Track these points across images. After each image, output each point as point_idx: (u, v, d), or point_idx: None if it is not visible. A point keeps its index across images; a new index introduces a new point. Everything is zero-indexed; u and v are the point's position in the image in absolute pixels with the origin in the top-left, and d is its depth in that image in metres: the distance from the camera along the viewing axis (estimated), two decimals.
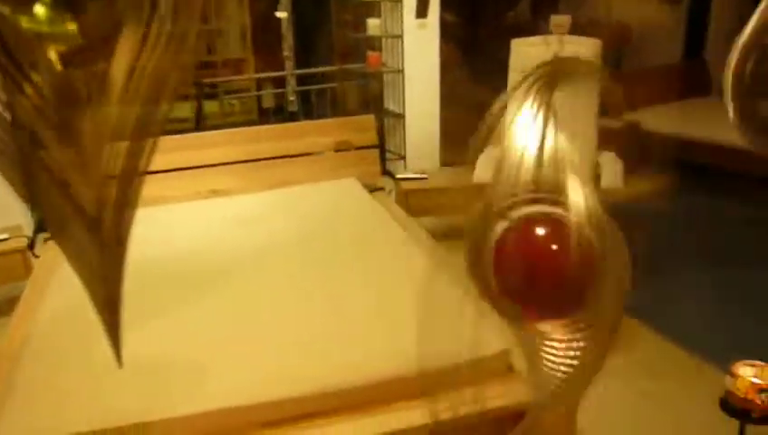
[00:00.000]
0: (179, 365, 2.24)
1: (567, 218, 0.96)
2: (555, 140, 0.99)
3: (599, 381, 3.08)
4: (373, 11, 5.02)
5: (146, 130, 1.11)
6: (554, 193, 0.97)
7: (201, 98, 5.58)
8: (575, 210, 0.95)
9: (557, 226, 0.98)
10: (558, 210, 0.97)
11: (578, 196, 0.95)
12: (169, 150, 3.97)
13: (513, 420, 1.60)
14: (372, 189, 4.04)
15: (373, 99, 5.25)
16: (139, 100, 1.07)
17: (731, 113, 1.43)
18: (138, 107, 1.08)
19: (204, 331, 2.44)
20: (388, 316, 2.38)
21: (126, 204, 1.16)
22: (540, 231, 1.00)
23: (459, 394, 1.61)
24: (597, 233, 0.98)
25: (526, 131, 1.00)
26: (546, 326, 1.03)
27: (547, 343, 1.04)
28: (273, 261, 3.00)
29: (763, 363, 1.83)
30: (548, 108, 1.01)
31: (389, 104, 5.13)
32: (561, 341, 1.03)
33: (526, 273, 1.01)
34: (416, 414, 2.01)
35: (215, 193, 3.98)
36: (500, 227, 1.01)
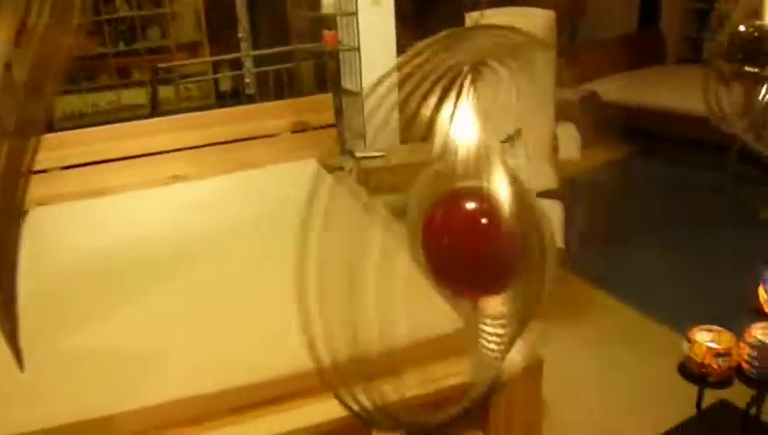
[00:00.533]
0: (139, 355, 2.21)
1: (492, 192, 0.95)
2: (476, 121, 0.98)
3: (565, 350, 3.12)
4: None
5: (31, 124, 1.02)
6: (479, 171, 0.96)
7: (155, 83, 5.48)
8: (497, 184, 0.93)
9: (482, 201, 0.97)
10: (484, 185, 0.96)
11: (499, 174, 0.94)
12: (125, 138, 3.91)
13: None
14: (332, 170, 4.01)
15: (331, 78, 5.20)
16: (21, 86, 0.98)
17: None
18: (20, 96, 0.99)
19: (163, 319, 2.41)
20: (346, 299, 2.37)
21: (10, 208, 1.08)
22: (465, 206, 0.98)
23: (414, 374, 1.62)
24: (521, 207, 0.97)
25: (451, 114, 0.99)
26: (478, 303, 1.02)
27: (486, 321, 1.03)
28: (232, 246, 2.97)
29: (719, 328, 1.85)
30: (464, 88, 1.00)
31: (347, 83, 5.08)
32: (494, 318, 1.02)
33: (451, 249, 0.99)
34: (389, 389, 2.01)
35: (172, 179, 3.92)
36: (428, 203, 1.00)
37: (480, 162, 0.98)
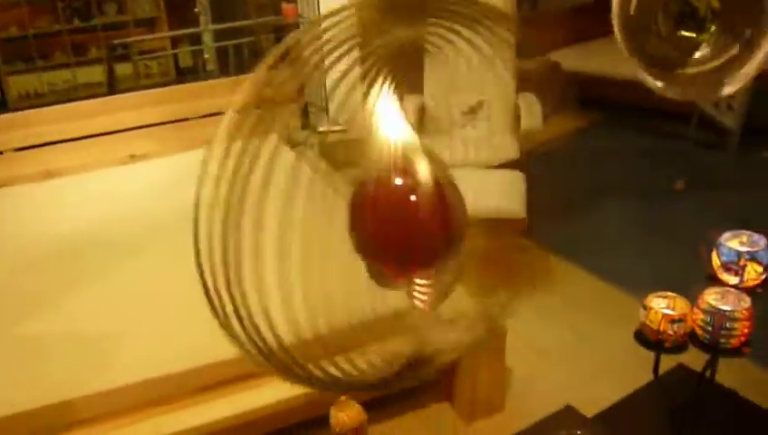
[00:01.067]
0: (99, 337, 2.19)
1: (416, 173, 0.95)
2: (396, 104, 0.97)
3: (528, 319, 3.15)
4: None
5: None
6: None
7: (112, 60, 5.37)
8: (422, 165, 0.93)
9: (407, 181, 0.96)
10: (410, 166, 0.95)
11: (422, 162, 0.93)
12: (82, 117, 3.84)
13: None
14: (294, 145, 3.97)
15: None
16: None
17: (624, 51, 1.45)
18: None
19: (123, 300, 2.39)
20: (308, 277, 2.36)
21: None
22: (390, 187, 0.98)
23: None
24: (448, 186, 0.97)
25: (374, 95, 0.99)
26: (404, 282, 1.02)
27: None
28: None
29: (674, 295, 1.88)
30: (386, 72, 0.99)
31: None
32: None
33: (378, 229, 0.99)
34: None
35: (132, 158, 3.86)
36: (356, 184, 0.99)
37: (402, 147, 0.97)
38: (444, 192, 0.96)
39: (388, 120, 0.97)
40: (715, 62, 1.38)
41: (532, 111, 3.74)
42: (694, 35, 1.39)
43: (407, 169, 0.96)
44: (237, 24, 5.46)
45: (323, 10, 4.68)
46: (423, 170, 0.94)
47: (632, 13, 1.36)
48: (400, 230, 0.97)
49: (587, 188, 4.48)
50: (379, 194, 0.98)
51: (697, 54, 1.40)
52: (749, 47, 1.34)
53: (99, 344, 2.15)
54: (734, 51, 1.35)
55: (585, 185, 4.55)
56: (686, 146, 4.90)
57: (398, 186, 0.96)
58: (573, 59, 5.67)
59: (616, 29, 1.42)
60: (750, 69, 1.37)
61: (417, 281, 1.02)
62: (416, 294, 1.03)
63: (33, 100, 6.55)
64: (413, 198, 0.96)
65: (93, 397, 1.96)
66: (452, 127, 3.85)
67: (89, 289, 2.47)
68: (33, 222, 3.14)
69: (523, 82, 4.19)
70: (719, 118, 4.74)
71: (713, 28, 1.35)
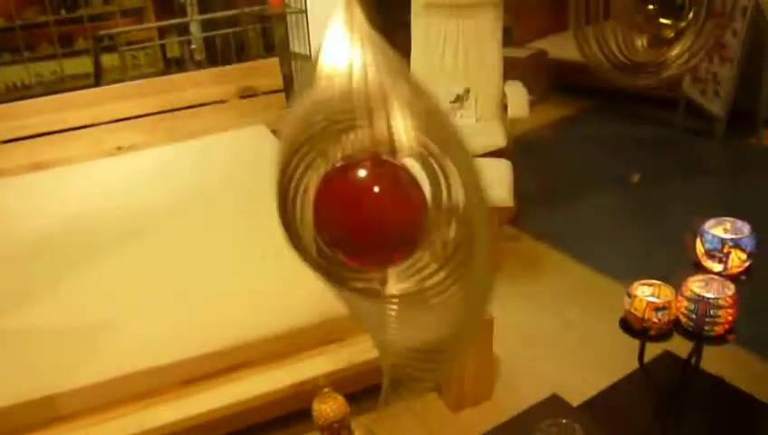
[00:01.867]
0: (87, 329, 2.19)
1: (384, 156, 0.92)
2: (366, 60, 0.93)
3: (516, 307, 3.16)
4: None
5: None
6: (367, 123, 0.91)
7: (98, 52, 5.32)
8: (393, 143, 0.90)
9: (374, 166, 0.94)
10: (376, 149, 0.92)
11: (396, 125, 0.89)
12: (69, 108, 3.82)
13: None
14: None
15: (278, 42, 5.11)
16: None
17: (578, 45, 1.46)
18: None
19: (111, 292, 2.39)
20: (294, 268, 2.36)
21: None
22: (358, 175, 0.95)
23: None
24: (426, 161, 0.92)
25: (335, 53, 0.96)
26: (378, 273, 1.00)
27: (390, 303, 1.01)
28: (182, 216, 2.93)
29: (659, 282, 1.88)
30: (356, 22, 0.96)
31: (295, 46, 5.00)
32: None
33: (345, 219, 0.96)
34: (320, 362, 2.06)
35: (119, 150, 3.85)
36: (315, 171, 0.96)
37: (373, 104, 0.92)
38: (403, 184, 0.94)
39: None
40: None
41: (518, 99, 3.75)
42: (670, 22, 1.39)
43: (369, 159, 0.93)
44: (224, 14, 5.42)
45: (310, 0, 4.66)
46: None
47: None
48: (364, 218, 0.95)
49: (574, 176, 4.49)
50: (345, 181, 0.96)
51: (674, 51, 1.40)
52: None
53: (83, 338, 2.14)
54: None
55: (572, 172, 4.55)
56: (673, 133, 4.92)
57: (358, 178, 0.94)
58: (560, 47, 5.66)
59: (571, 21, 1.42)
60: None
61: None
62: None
63: (20, 91, 6.50)
64: (376, 189, 0.94)
65: (77, 391, 1.96)
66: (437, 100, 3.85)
67: (75, 282, 2.46)
68: (19, 214, 3.12)
69: (510, 70, 4.19)
70: (706, 105, 4.75)
71: (691, 14, 1.35)
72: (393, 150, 0.89)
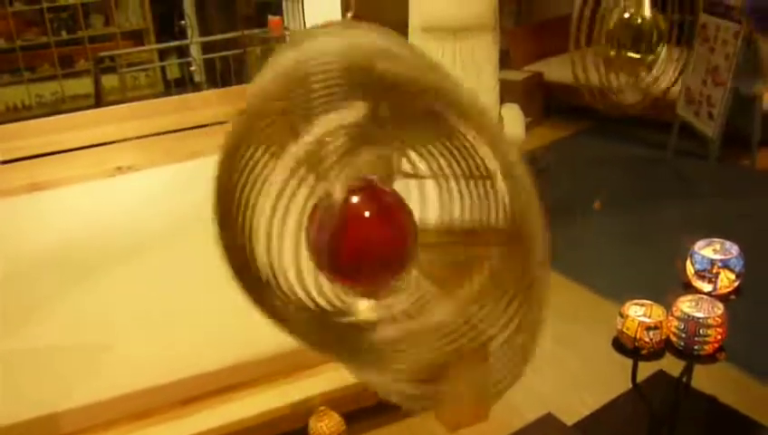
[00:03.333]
0: (85, 350, 2.20)
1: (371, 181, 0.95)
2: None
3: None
4: None
5: None
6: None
7: (99, 73, 5.38)
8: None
9: (367, 192, 0.96)
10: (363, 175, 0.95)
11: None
12: (69, 129, 3.84)
13: None
14: None
15: None
16: None
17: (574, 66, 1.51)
18: None
19: (109, 313, 2.41)
20: None
21: None
22: (351, 201, 0.96)
23: None
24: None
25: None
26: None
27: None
28: (182, 236, 2.95)
29: (650, 302, 1.91)
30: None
31: None
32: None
33: (337, 244, 0.97)
34: (316, 383, 2.08)
35: (119, 170, 3.87)
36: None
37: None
38: (395, 209, 0.97)
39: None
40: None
41: (515, 121, 3.80)
42: (640, 57, 1.45)
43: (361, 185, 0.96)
44: (224, 36, 5.49)
45: (309, 23, 4.73)
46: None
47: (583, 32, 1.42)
48: (354, 242, 0.97)
49: (569, 197, 4.52)
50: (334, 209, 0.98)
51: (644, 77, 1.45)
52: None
53: (83, 357, 2.16)
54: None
55: (568, 193, 4.59)
56: (667, 155, 4.97)
57: (352, 205, 0.97)
58: (556, 70, 5.73)
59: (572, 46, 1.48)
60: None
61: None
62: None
63: (21, 112, 6.55)
64: (367, 214, 0.97)
65: (78, 410, 1.98)
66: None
67: (74, 302, 2.48)
68: (19, 235, 3.14)
69: (507, 93, 4.25)
70: (700, 127, 4.80)
71: (660, 48, 1.40)
72: (387, 176, 0.92)
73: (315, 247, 0.98)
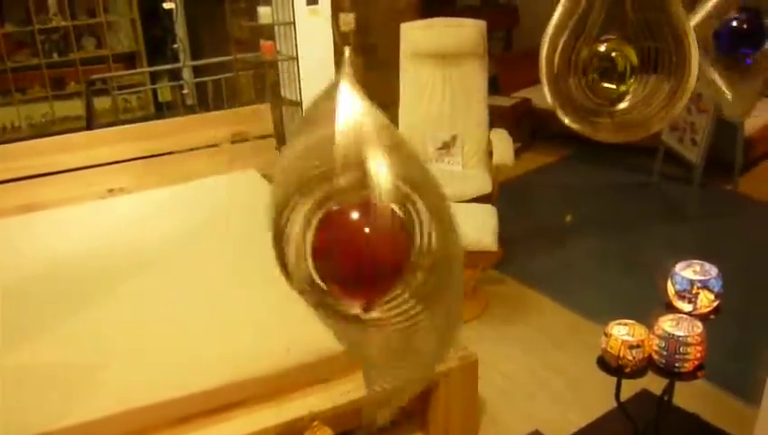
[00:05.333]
0: (79, 371, 2.22)
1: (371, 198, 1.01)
2: (352, 112, 1.03)
3: (499, 348, 3.22)
4: None
5: None
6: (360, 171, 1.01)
7: (90, 95, 5.42)
8: (377, 189, 1.00)
9: (365, 209, 1.03)
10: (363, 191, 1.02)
11: (379, 171, 0.99)
12: (61, 151, 3.87)
13: None
14: (272, 179, 4.05)
15: (270, 88, 5.24)
16: None
17: (548, 97, 1.57)
18: None
19: (101, 334, 2.42)
20: (286, 309, 2.41)
21: None
22: (351, 217, 1.04)
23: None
24: (404, 205, 1.03)
25: (325, 108, 1.05)
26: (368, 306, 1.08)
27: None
28: (174, 258, 2.98)
29: (633, 322, 1.97)
30: (351, 81, 1.06)
31: (286, 92, 5.13)
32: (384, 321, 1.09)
33: (341, 257, 1.05)
34: (310, 401, 2.11)
35: (111, 192, 3.91)
36: (309, 211, 1.06)
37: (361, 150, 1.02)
38: (390, 225, 1.03)
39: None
40: (641, 108, 1.50)
41: (504, 146, 3.86)
42: (614, 87, 1.51)
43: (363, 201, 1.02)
44: (216, 60, 5.54)
45: (301, 48, 4.80)
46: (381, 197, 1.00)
47: (555, 63, 1.48)
48: (356, 256, 1.04)
49: (556, 221, 4.60)
50: (340, 223, 1.05)
51: (622, 105, 1.51)
52: (671, 94, 1.46)
53: (79, 376, 2.18)
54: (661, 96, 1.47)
55: (555, 218, 4.67)
56: (652, 180, 5.06)
57: (351, 220, 1.04)
58: (544, 96, 5.81)
59: (542, 77, 1.54)
60: (674, 111, 1.49)
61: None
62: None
63: (11, 133, 6.58)
64: (367, 230, 1.03)
65: (74, 428, 1.99)
66: (426, 161, 3.95)
67: (67, 321, 2.50)
68: (10, 256, 3.16)
69: (496, 118, 4.33)
70: (684, 153, 4.90)
71: (632, 81, 1.47)
72: (374, 192, 0.99)
73: (321, 262, 1.05)
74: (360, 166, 1.01)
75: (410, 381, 1.18)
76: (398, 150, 1.04)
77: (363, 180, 1.00)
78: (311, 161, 1.06)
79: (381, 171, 0.99)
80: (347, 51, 1.11)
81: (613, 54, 1.46)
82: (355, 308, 1.08)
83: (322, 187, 1.05)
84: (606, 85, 1.47)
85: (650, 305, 2.09)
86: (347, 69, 1.07)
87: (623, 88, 1.47)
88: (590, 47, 1.44)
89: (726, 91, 1.82)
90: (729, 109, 1.95)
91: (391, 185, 0.99)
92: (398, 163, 1.02)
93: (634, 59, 1.44)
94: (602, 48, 1.44)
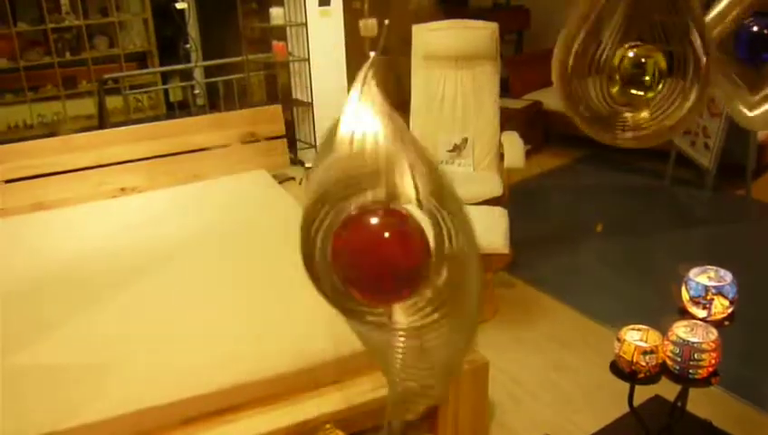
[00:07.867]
0: (84, 370, 2.21)
1: (395, 205, 1.02)
2: (379, 128, 1.04)
3: (509, 352, 3.20)
4: (277, 0, 5.01)
5: None
6: (381, 181, 1.02)
7: (103, 94, 5.44)
8: (401, 198, 1.01)
9: (385, 215, 1.03)
10: (386, 199, 1.02)
11: (406, 182, 1.00)
12: (73, 149, 3.89)
13: None
14: (282, 180, 4.06)
15: (282, 89, 5.25)
16: None
17: (561, 99, 1.56)
18: None
19: (110, 333, 2.42)
20: (296, 309, 2.41)
21: None
22: (369, 220, 1.04)
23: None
24: (431, 213, 1.04)
25: (353, 121, 1.06)
26: (388, 309, 1.09)
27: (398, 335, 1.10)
28: (184, 258, 2.99)
29: (647, 327, 1.96)
30: (371, 94, 1.07)
31: (298, 93, 5.14)
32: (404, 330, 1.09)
33: (359, 261, 1.06)
34: (320, 403, 2.10)
35: (122, 191, 3.92)
36: (334, 218, 1.06)
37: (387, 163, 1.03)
38: (409, 231, 1.03)
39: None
40: (659, 115, 1.49)
41: (515, 149, 3.85)
42: (642, 94, 1.49)
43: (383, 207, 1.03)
44: (228, 60, 5.56)
45: (313, 49, 4.80)
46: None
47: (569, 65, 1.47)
48: (375, 260, 1.04)
49: (567, 224, 4.58)
50: (359, 228, 1.05)
51: (643, 114, 1.50)
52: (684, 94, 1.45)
53: (88, 376, 2.18)
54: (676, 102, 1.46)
55: (566, 220, 4.65)
56: (664, 183, 5.04)
57: (371, 226, 1.04)
58: (555, 98, 5.79)
59: (556, 79, 1.53)
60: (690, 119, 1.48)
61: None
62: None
63: (23, 131, 6.61)
64: (386, 234, 1.03)
65: (81, 428, 1.99)
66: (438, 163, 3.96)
67: (77, 321, 2.50)
68: (22, 255, 3.17)
69: (507, 121, 4.31)
70: (696, 157, 4.87)
71: (661, 87, 1.45)
72: (402, 203, 0.99)
73: (342, 266, 1.06)
74: (387, 176, 1.01)
75: (433, 385, 1.18)
76: (422, 158, 1.05)
77: (392, 191, 1.01)
78: (341, 172, 1.07)
79: (408, 182, 1.00)
80: (371, 56, 1.11)
81: (643, 60, 1.44)
82: (378, 312, 1.08)
83: (352, 197, 1.06)
84: (633, 92, 1.46)
85: (662, 311, 2.07)
86: (369, 77, 1.07)
87: (650, 95, 1.46)
88: (613, 51, 1.43)
89: (744, 109, 1.81)
90: (746, 122, 1.93)
91: (417, 194, 1.00)
92: (424, 173, 1.03)
93: (663, 65, 1.42)
94: (631, 54, 1.43)
